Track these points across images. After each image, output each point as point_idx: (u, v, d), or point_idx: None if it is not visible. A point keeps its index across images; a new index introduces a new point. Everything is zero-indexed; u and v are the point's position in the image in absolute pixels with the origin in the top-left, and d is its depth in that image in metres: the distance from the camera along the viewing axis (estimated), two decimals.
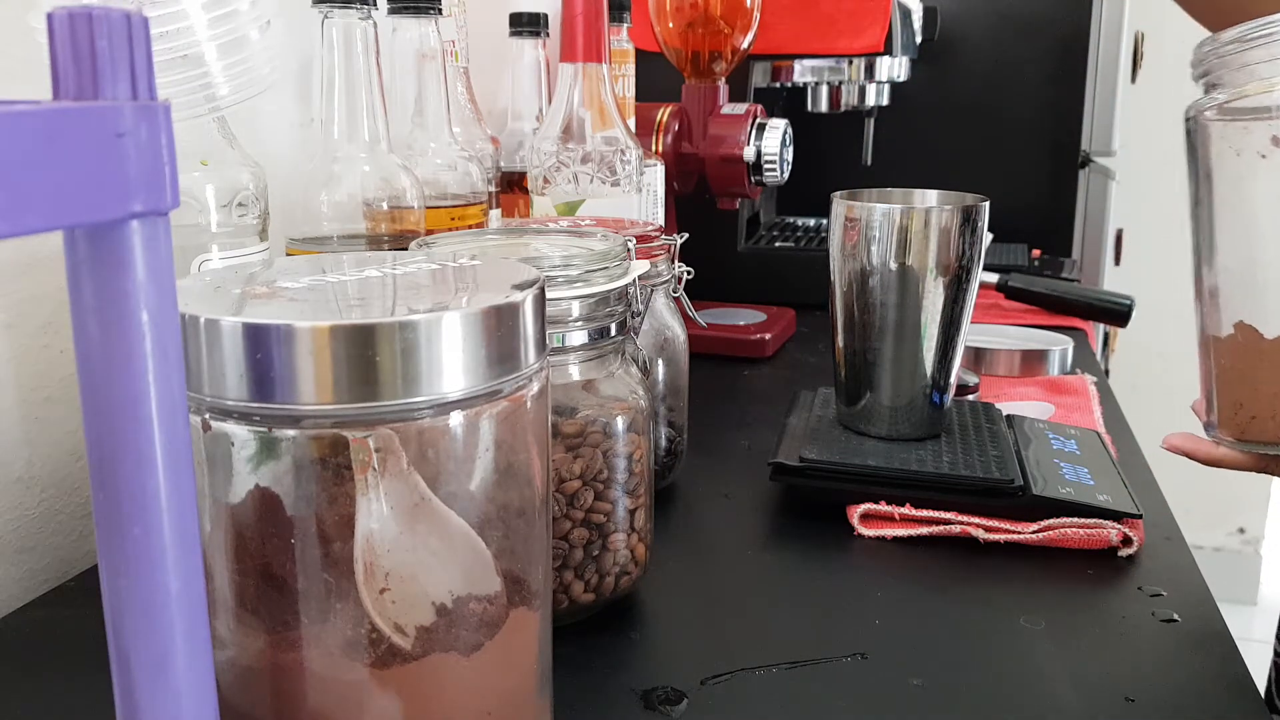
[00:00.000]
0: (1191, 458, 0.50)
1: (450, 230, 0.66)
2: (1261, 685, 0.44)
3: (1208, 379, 0.49)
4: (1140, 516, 0.56)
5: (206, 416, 0.30)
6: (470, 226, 0.74)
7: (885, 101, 1.17)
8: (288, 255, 0.63)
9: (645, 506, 0.50)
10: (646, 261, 0.53)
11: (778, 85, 1.17)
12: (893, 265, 0.63)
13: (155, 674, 0.21)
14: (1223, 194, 0.46)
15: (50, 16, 0.19)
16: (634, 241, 0.49)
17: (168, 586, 0.21)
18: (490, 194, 0.84)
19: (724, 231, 1.13)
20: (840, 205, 0.65)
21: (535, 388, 0.34)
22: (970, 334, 0.67)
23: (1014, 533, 0.56)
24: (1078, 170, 1.31)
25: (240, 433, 0.30)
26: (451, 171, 0.73)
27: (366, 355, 0.29)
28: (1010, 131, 1.32)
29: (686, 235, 0.65)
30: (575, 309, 0.45)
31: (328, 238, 0.63)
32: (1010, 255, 1.22)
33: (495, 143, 0.88)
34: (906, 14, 1.15)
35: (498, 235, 0.52)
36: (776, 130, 0.96)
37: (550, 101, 0.86)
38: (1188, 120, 0.47)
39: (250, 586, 0.32)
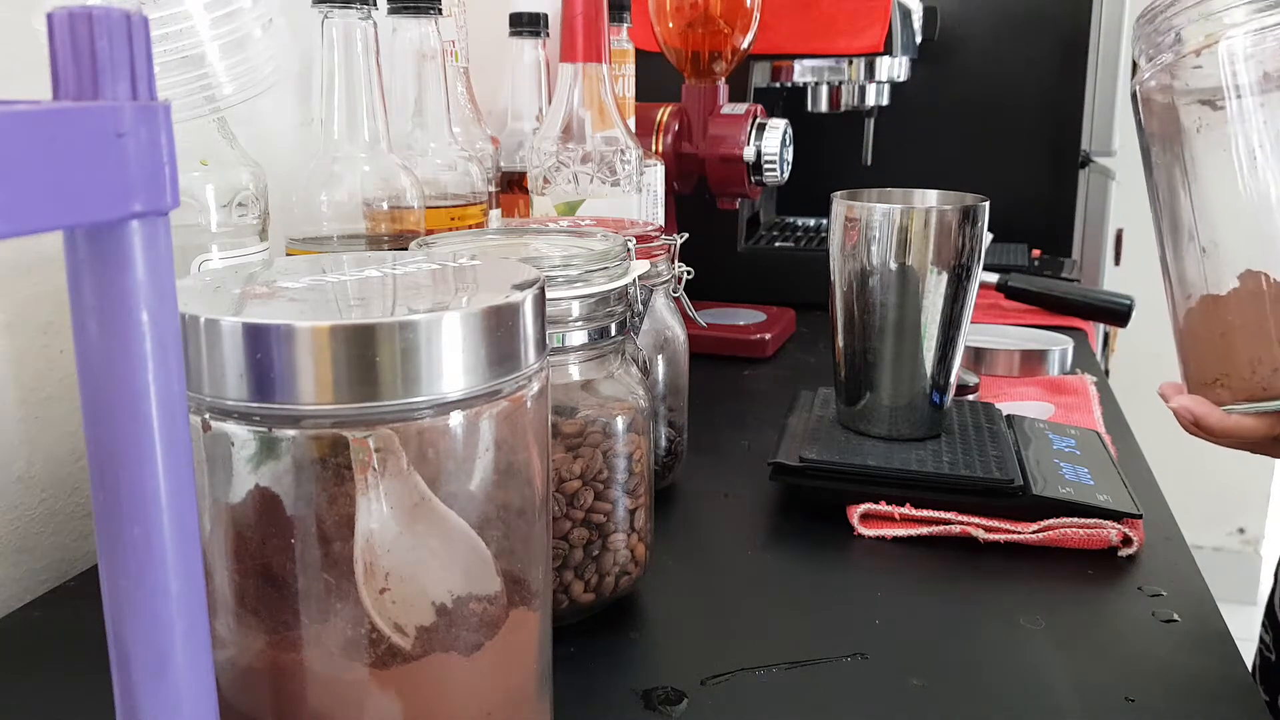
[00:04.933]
0: (1200, 426, 0.47)
1: (450, 230, 0.66)
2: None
3: (1209, 347, 0.46)
4: (1140, 516, 0.56)
5: (206, 416, 0.30)
6: (470, 226, 0.74)
7: (885, 101, 1.17)
8: (288, 255, 0.63)
9: (645, 506, 0.50)
10: (646, 261, 0.53)
11: (778, 85, 1.17)
12: (893, 265, 0.63)
13: (155, 674, 0.21)
14: (1200, 144, 0.45)
15: (50, 16, 0.19)
16: (634, 241, 0.49)
17: (168, 586, 0.21)
18: (490, 194, 0.84)
19: (724, 231, 1.13)
20: (840, 205, 0.65)
21: (535, 388, 0.34)
22: (970, 334, 0.67)
23: (1014, 533, 0.56)
24: (1078, 170, 1.31)
25: (240, 433, 0.30)
26: (451, 171, 0.73)
27: (366, 355, 0.29)
28: (1010, 131, 1.32)
29: (686, 235, 0.65)
30: (575, 309, 0.45)
31: (328, 238, 0.63)
32: (1010, 255, 1.22)
33: (495, 143, 0.88)
34: (906, 14, 1.14)
35: (498, 235, 0.52)
36: (776, 130, 0.96)
37: (550, 101, 0.86)
38: (1134, 92, 0.46)
39: (250, 586, 0.32)
